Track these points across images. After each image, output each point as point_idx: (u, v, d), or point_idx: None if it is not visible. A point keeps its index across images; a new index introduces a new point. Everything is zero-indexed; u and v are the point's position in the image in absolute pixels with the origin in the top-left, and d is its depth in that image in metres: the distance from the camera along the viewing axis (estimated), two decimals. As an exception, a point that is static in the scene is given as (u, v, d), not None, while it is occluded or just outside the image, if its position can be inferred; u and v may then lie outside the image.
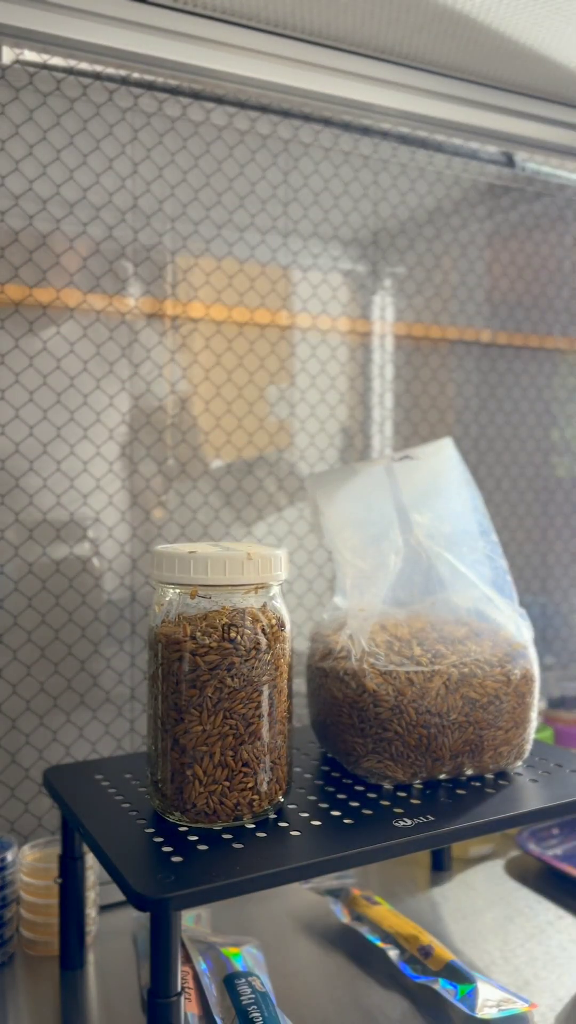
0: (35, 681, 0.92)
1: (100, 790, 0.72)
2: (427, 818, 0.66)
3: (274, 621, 0.66)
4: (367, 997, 0.72)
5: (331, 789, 0.72)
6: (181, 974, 0.56)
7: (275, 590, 0.68)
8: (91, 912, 0.80)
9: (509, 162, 1.19)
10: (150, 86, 0.95)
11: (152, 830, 0.64)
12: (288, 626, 0.68)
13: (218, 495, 1.03)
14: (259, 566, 0.65)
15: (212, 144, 1.01)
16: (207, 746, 0.63)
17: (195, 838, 0.62)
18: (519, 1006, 0.69)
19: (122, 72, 0.93)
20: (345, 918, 0.82)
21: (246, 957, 0.73)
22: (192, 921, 0.81)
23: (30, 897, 0.79)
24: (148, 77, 0.94)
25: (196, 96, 0.98)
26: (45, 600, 0.93)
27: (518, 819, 0.68)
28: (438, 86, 1.02)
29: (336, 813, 0.67)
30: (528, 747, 0.77)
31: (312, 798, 0.70)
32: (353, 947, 0.79)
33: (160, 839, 0.62)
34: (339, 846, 0.61)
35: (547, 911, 0.86)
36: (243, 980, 0.68)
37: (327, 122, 1.06)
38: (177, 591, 0.66)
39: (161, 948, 0.55)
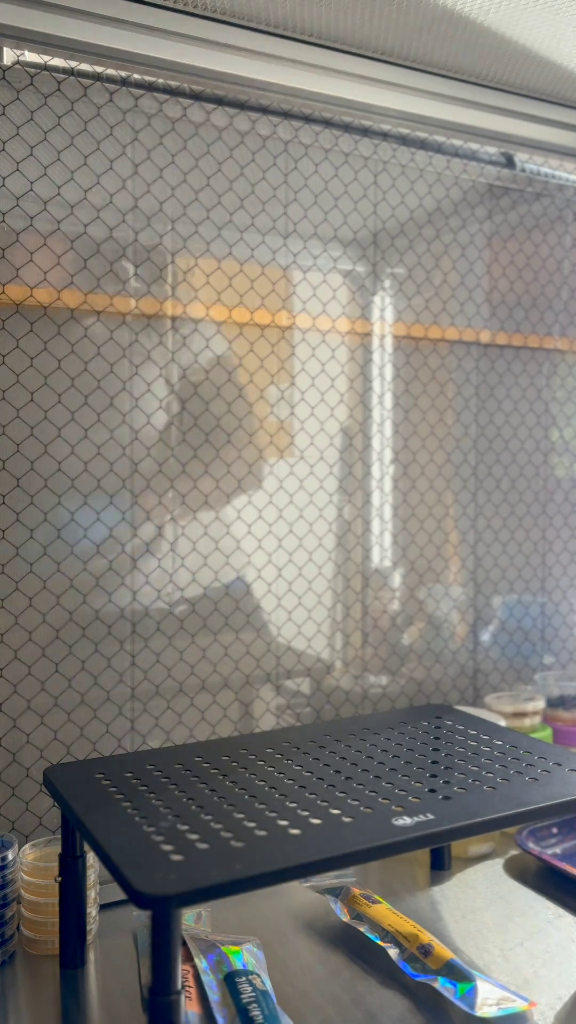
0: (36, 680, 0.93)
1: (100, 789, 0.72)
2: (426, 816, 0.66)
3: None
4: (367, 995, 0.72)
5: (331, 787, 0.72)
6: (182, 972, 0.56)
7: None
8: (91, 911, 0.80)
9: (509, 163, 1.19)
10: (150, 87, 0.96)
11: (152, 828, 0.64)
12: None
13: (217, 495, 1.04)
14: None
15: (212, 145, 1.02)
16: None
17: (195, 836, 0.62)
18: (518, 1004, 0.69)
19: (122, 73, 0.93)
20: (345, 916, 0.82)
21: (246, 955, 0.73)
22: (192, 919, 0.81)
23: (31, 896, 0.79)
24: (149, 78, 0.94)
25: (196, 97, 0.98)
26: (45, 600, 0.93)
27: (518, 817, 0.69)
28: (438, 87, 1.02)
29: (336, 811, 0.67)
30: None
31: (312, 795, 0.70)
32: (353, 945, 0.79)
33: (160, 837, 0.62)
34: (339, 845, 0.61)
35: (546, 910, 0.86)
36: (243, 978, 0.69)
37: (327, 123, 1.07)
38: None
39: (162, 946, 0.55)
